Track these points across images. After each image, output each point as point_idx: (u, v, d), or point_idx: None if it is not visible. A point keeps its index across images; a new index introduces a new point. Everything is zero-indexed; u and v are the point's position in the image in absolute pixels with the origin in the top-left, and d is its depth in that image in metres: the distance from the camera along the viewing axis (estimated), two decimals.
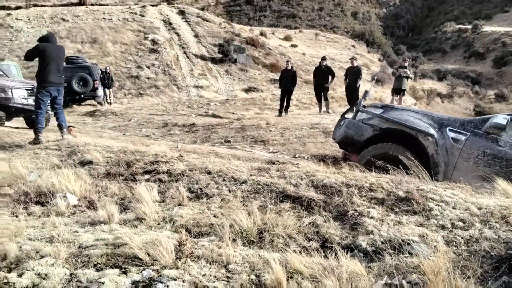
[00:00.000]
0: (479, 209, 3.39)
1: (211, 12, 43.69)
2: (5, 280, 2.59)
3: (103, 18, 27.12)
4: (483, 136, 4.89)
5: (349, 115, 6.31)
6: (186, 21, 29.14)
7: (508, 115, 4.97)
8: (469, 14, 69.97)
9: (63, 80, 7.41)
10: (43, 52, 6.98)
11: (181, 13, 30.36)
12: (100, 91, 17.68)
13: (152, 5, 30.34)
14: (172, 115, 15.01)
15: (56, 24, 27.58)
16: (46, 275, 2.65)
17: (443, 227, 3.21)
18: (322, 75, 13.58)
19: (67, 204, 4.14)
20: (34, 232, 3.43)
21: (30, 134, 8.01)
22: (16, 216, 3.94)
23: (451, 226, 3.21)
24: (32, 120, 9.83)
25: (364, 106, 5.98)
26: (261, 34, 34.05)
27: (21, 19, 28.80)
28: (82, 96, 17.46)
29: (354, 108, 6.08)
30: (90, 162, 5.71)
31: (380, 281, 2.66)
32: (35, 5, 33.07)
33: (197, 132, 11.64)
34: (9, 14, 29.34)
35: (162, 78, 22.42)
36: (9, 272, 2.70)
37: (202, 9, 46.69)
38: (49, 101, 7.27)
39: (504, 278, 2.63)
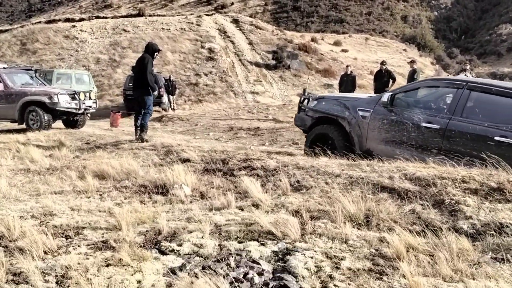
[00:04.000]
0: None
1: (259, 20, 44.46)
2: (170, 248, 3.19)
3: (162, 28, 28.46)
4: (381, 110, 6.05)
5: None
6: (240, 29, 30.05)
7: (391, 91, 6.33)
8: None
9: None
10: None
11: (235, 21, 31.34)
12: (165, 98, 18.69)
13: (207, 15, 31.52)
14: (234, 120, 15.69)
15: (118, 34, 29.19)
16: (201, 245, 3.22)
17: None
18: (383, 79, 13.84)
19: (185, 194, 4.76)
20: (169, 215, 4.05)
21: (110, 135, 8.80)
22: (144, 203, 4.59)
23: None
24: (71, 121, 11.64)
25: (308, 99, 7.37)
26: (312, 40, 34.47)
27: (85, 31, 30.64)
28: None
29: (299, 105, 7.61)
30: (188, 160, 6.38)
31: (486, 255, 3.05)
32: (97, 17, 35.12)
33: (263, 135, 12.21)
34: (73, 26, 31.29)
35: (219, 85, 23.30)
36: (170, 242, 3.29)
37: (250, 17, 47.62)
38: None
39: None
